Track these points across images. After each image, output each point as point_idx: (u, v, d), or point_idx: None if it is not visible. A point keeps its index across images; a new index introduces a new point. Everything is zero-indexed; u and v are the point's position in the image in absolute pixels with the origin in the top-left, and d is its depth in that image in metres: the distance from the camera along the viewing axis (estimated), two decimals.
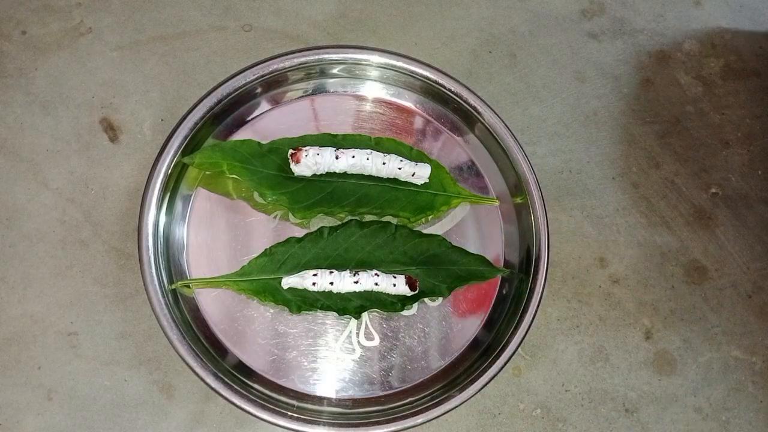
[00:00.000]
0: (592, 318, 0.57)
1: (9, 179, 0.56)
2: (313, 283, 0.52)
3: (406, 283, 0.52)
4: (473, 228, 0.57)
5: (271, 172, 0.54)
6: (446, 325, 0.55)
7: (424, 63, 0.57)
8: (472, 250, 0.55)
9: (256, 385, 0.52)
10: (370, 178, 0.55)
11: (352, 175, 0.55)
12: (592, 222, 0.59)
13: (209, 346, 0.52)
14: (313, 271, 0.52)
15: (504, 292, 0.56)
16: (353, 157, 0.54)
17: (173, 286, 0.52)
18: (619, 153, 0.60)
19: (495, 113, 0.56)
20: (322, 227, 0.54)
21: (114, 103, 0.58)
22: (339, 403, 0.53)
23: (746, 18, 0.65)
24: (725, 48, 0.64)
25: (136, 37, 0.59)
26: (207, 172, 0.55)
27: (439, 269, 0.54)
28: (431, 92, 0.58)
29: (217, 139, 0.56)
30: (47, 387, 0.52)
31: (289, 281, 0.52)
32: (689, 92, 0.62)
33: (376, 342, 0.54)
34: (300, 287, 0.52)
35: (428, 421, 0.51)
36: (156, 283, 0.51)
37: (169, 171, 0.53)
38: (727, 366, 0.57)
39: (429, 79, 0.57)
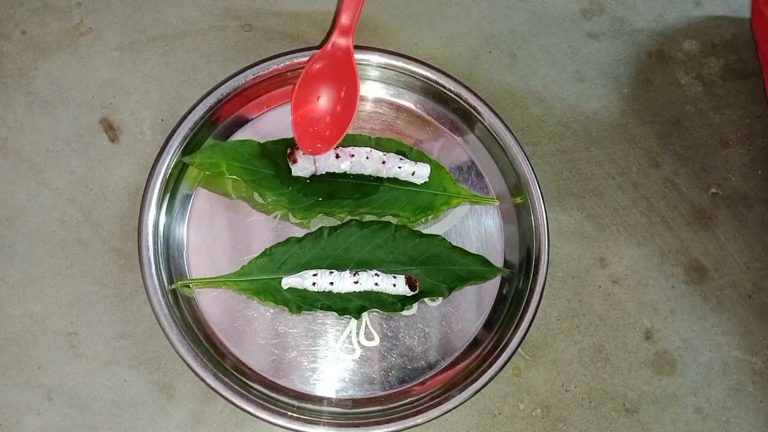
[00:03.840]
0: (592, 318, 0.57)
1: (9, 179, 0.56)
2: (313, 283, 0.52)
3: (406, 283, 0.52)
4: (473, 228, 0.57)
5: (270, 173, 0.54)
6: (446, 325, 0.55)
7: (424, 63, 0.57)
8: (472, 250, 0.55)
9: (256, 385, 0.52)
10: (370, 177, 0.55)
11: (352, 175, 0.55)
12: (592, 222, 0.59)
13: (209, 346, 0.52)
14: (313, 271, 0.52)
15: (504, 292, 0.56)
16: (353, 156, 0.54)
17: (173, 286, 0.52)
18: (619, 153, 0.60)
19: (495, 113, 0.56)
20: (322, 227, 0.54)
21: (114, 103, 0.58)
22: (339, 403, 0.53)
23: (747, 18, 0.65)
24: (725, 48, 0.64)
25: (136, 37, 0.59)
26: (207, 172, 0.55)
27: (439, 269, 0.54)
28: (431, 92, 0.58)
29: (217, 139, 0.56)
30: (47, 387, 0.52)
31: (289, 281, 0.52)
32: (689, 92, 0.62)
33: (376, 342, 0.54)
34: (300, 287, 0.52)
35: (428, 421, 0.51)
36: (156, 283, 0.51)
37: (169, 171, 0.53)
38: (727, 366, 0.57)
39: (429, 79, 0.57)
